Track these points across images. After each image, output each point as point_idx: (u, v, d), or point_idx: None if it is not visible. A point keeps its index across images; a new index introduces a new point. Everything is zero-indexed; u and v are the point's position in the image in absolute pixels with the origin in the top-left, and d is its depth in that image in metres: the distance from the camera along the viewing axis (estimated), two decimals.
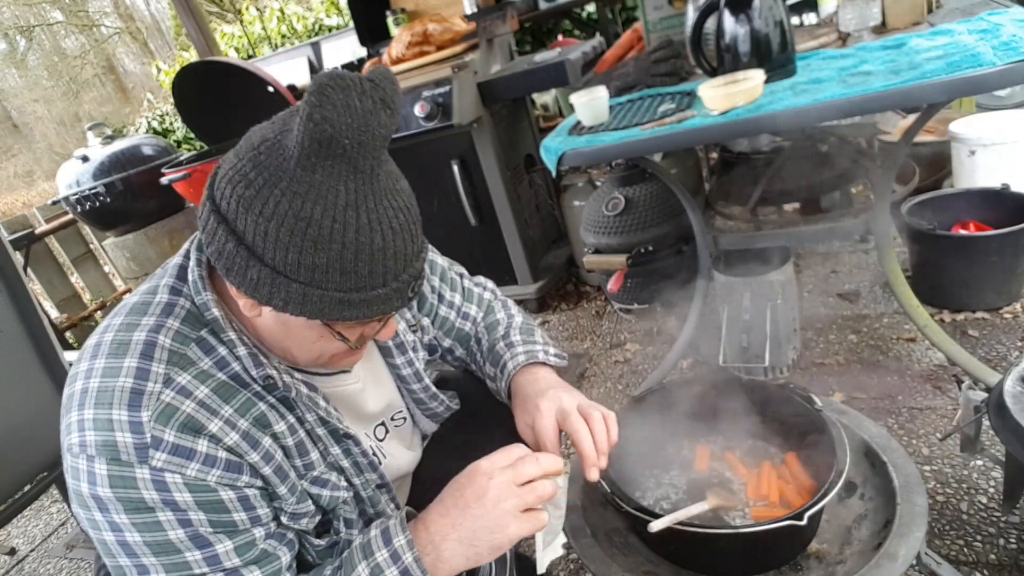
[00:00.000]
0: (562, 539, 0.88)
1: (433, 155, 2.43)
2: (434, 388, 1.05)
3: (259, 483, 0.76)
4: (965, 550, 1.25)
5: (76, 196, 3.56)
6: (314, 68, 4.71)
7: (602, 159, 1.51)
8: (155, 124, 7.77)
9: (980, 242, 1.81)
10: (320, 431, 0.83)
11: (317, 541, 0.84)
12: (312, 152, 0.61)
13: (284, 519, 0.80)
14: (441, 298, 1.06)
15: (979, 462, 1.42)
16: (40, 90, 15.70)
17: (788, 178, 2.13)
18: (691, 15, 1.71)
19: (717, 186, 2.42)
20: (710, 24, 1.48)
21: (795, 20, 1.98)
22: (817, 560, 1.05)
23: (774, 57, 1.40)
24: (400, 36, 2.50)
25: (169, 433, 0.68)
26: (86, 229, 4.24)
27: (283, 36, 6.91)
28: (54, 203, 3.80)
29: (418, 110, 2.24)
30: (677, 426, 1.28)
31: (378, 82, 0.63)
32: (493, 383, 1.04)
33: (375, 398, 0.98)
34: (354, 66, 2.93)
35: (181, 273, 0.78)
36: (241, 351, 0.75)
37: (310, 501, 0.82)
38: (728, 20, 1.40)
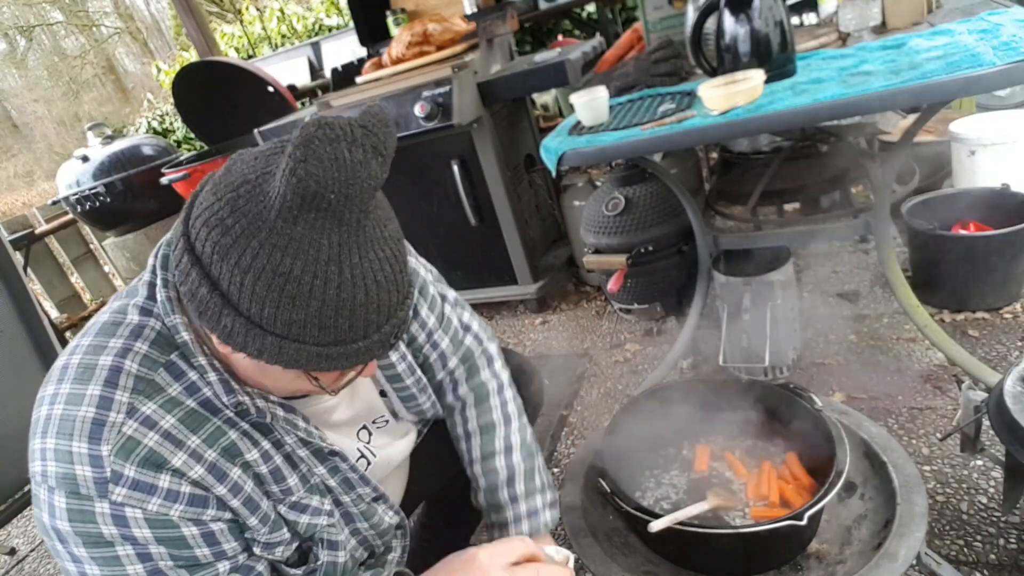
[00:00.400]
0: None
1: (433, 155, 2.43)
2: (425, 380, 1.02)
3: (227, 515, 0.74)
4: (965, 550, 1.25)
5: (76, 196, 3.57)
6: (314, 68, 4.71)
7: (602, 159, 1.50)
8: (155, 124, 7.78)
9: (980, 242, 1.80)
10: (302, 452, 0.81)
11: (294, 572, 0.82)
12: (295, 206, 0.57)
13: (257, 549, 0.78)
14: (415, 314, 0.99)
15: (979, 462, 1.42)
16: (40, 90, 15.69)
17: (788, 178, 2.13)
18: (691, 15, 1.71)
19: (717, 186, 2.42)
20: (710, 24, 1.48)
21: (795, 20, 1.98)
22: (817, 560, 1.05)
23: (774, 57, 1.40)
24: (400, 36, 2.50)
25: (129, 468, 0.66)
26: (86, 229, 4.24)
27: (283, 36, 6.92)
28: (54, 203, 3.81)
29: (418, 110, 2.24)
30: (677, 426, 1.28)
31: (371, 128, 0.59)
32: (478, 503, 1.04)
33: (354, 407, 0.96)
34: (354, 66, 2.93)
35: (151, 292, 0.74)
36: (212, 377, 0.72)
37: (285, 529, 0.80)
38: (728, 20, 1.40)
